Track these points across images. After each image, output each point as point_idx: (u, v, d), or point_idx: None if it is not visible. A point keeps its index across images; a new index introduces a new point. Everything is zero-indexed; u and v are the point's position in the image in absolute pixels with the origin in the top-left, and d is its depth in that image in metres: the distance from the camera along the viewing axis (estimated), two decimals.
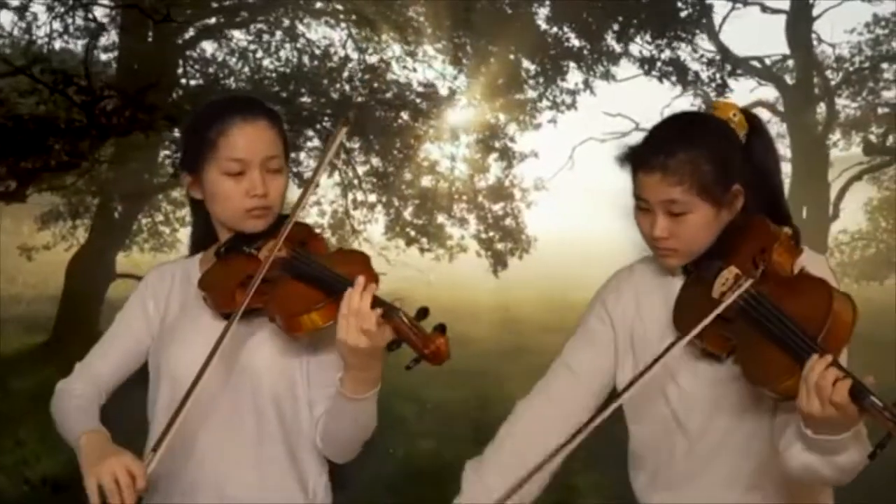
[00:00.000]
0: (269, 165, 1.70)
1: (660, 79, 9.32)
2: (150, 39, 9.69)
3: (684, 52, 9.73)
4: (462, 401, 7.19)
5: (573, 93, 9.99)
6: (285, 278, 1.63)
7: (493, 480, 1.68)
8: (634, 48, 9.61)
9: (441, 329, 1.46)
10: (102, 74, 10.08)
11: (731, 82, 10.03)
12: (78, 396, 1.70)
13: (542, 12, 9.57)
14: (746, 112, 1.70)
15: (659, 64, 9.45)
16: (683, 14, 9.34)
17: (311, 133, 11.71)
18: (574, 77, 10.10)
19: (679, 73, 9.53)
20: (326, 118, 11.22)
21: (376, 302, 1.50)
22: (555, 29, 9.52)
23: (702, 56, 10.01)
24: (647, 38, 9.46)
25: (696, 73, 9.59)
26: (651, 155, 1.60)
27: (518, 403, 1.79)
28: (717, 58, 10.02)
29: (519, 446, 1.72)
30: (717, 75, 9.57)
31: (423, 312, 1.48)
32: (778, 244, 1.56)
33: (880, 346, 10.06)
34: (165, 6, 6.52)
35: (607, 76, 9.63)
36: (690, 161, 1.56)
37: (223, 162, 1.67)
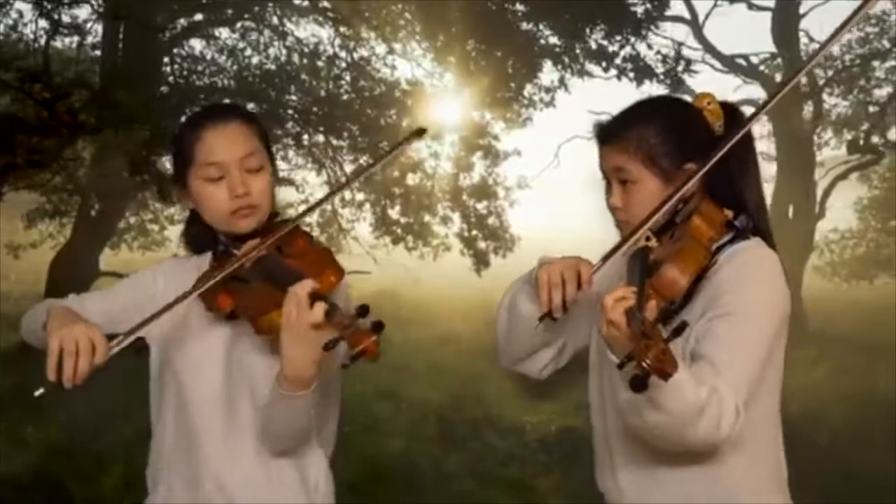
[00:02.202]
0: (247, 165, 1.72)
1: (618, 76, 9.35)
2: (134, 37, 9.69)
3: (641, 48, 9.78)
4: (437, 401, 7.18)
5: (550, 90, 9.98)
6: (258, 280, 1.65)
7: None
8: (592, 45, 9.59)
9: (379, 327, 1.44)
10: (89, 72, 10.12)
11: (689, 79, 10.05)
12: (57, 302, 1.70)
13: (521, 10, 9.53)
14: (726, 104, 1.73)
15: (617, 61, 9.46)
16: (640, 10, 9.33)
17: (298, 131, 11.74)
18: (552, 75, 10.11)
19: (637, 70, 9.52)
20: (313, 116, 11.24)
21: (319, 297, 1.52)
22: (531, 26, 9.49)
23: (657, 52, 10.00)
24: (604, 34, 9.45)
25: (652, 69, 9.57)
26: (608, 126, 1.71)
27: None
28: (672, 54, 9.96)
29: None
30: (672, 71, 9.55)
31: (364, 310, 1.46)
32: (698, 213, 1.60)
33: (872, 347, 10.04)
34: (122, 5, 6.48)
35: (582, 73, 9.60)
36: (640, 131, 1.64)
37: (202, 168, 1.71)
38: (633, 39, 9.17)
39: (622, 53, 9.36)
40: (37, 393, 1.45)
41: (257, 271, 1.65)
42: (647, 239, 1.59)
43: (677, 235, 1.60)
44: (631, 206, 1.66)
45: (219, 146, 1.70)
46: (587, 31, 9.21)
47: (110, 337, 1.54)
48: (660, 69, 9.51)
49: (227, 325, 1.72)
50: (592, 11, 8.84)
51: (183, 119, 1.86)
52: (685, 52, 12.87)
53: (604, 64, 9.27)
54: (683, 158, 1.64)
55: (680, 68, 9.52)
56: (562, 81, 9.69)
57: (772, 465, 1.66)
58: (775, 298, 1.57)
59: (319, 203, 1.94)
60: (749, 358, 1.50)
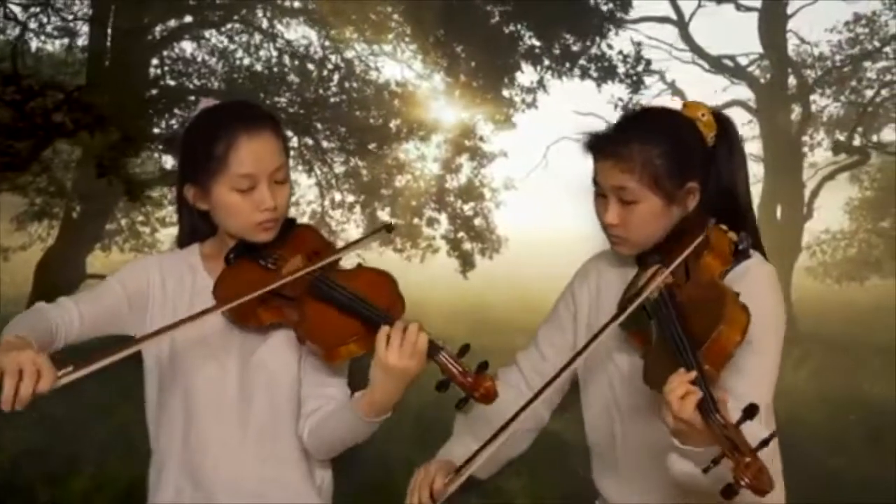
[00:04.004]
0: (275, 177, 1.69)
1: (581, 76, 9.37)
2: (120, 39, 9.71)
3: (604, 47, 9.82)
4: (417, 402, 7.16)
5: (531, 90, 9.99)
6: (312, 301, 1.64)
7: (468, 440, 1.80)
8: (561, 45, 9.60)
9: (484, 367, 1.52)
10: (79, 74, 10.14)
11: (679, 79, 10.12)
12: (41, 313, 1.64)
13: (504, 10, 9.55)
14: (718, 114, 1.72)
15: (581, 61, 9.48)
16: (604, 9, 9.35)
17: (288, 133, 11.75)
18: (534, 76, 10.11)
19: (599, 70, 9.56)
20: (303, 118, 11.24)
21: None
22: (512, 28, 9.50)
23: (620, 52, 10.03)
24: (568, 32, 9.45)
25: (614, 69, 9.63)
26: (608, 142, 1.65)
27: (499, 370, 1.86)
28: (633, 53, 9.97)
29: (488, 411, 1.77)
30: (632, 71, 9.57)
31: (465, 349, 1.55)
32: (709, 249, 1.57)
33: (861, 349, 10.03)
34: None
35: (561, 75, 9.60)
36: (643, 152, 1.60)
37: (232, 178, 1.66)
38: (598, 40, 9.17)
39: (587, 54, 9.40)
40: None
41: (309, 292, 1.65)
42: (660, 271, 1.57)
43: (693, 274, 1.57)
44: (630, 224, 1.64)
45: (255, 158, 1.65)
46: (556, 32, 9.21)
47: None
48: (621, 69, 9.53)
49: (235, 329, 1.71)
50: (561, 12, 8.84)
51: (193, 116, 1.78)
52: (674, 53, 12.93)
53: (567, 64, 9.29)
54: (685, 178, 1.63)
55: (640, 68, 9.54)
56: (541, 83, 9.71)
57: (772, 468, 1.68)
58: (781, 316, 1.60)
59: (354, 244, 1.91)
60: (770, 383, 1.54)
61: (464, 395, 1.53)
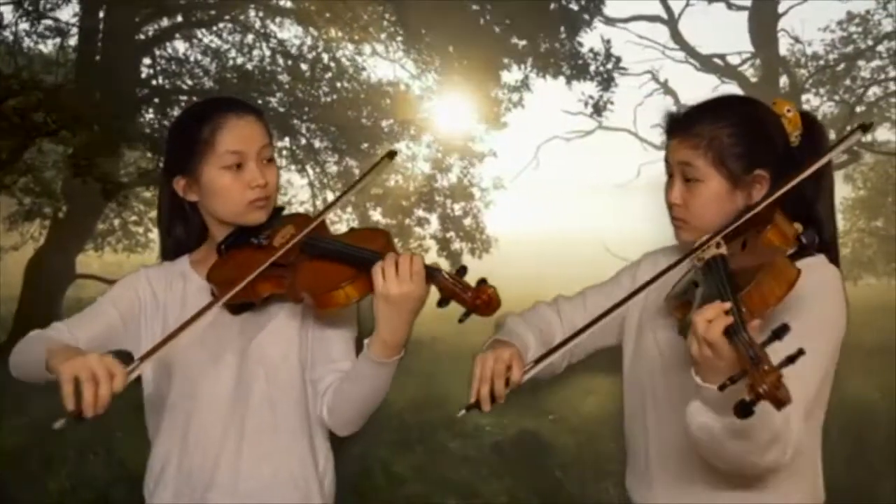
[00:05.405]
0: (263, 155, 1.73)
1: (554, 75, 9.36)
2: (110, 39, 9.72)
3: (576, 45, 9.80)
4: (401, 404, 7.16)
5: (517, 89, 9.99)
6: (306, 260, 1.65)
7: (528, 333, 1.74)
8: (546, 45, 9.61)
9: (483, 282, 1.51)
10: (71, 73, 10.15)
11: (672, 77, 10.10)
12: (49, 336, 1.66)
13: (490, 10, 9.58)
14: (807, 115, 1.69)
15: (554, 59, 9.48)
16: (576, 7, 9.36)
17: (281, 133, 11.75)
18: (518, 75, 10.09)
19: (571, 68, 9.59)
20: (295, 118, 11.25)
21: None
22: (501, 29, 9.51)
23: (590, 50, 10.02)
24: (545, 33, 9.46)
25: (586, 67, 9.65)
26: (680, 119, 1.65)
27: (537, 303, 1.86)
28: (602, 52, 9.96)
29: (538, 323, 1.79)
30: (602, 69, 9.58)
31: (463, 270, 1.56)
32: (772, 226, 1.52)
33: (858, 348, 10.01)
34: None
35: (545, 74, 9.61)
36: (713, 129, 1.59)
37: (221, 156, 1.70)
38: (572, 38, 9.18)
39: (562, 51, 9.41)
40: (56, 425, 1.38)
41: (305, 253, 1.66)
42: (718, 246, 1.52)
43: (750, 246, 1.52)
44: (691, 205, 1.62)
45: (241, 135, 1.70)
46: (537, 31, 9.22)
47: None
48: (592, 67, 9.54)
49: (235, 319, 1.72)
50: (541, 11, 8.86)
51: (177, 113, 1.84)
52: (667, 52, 12.93)
53: (542, 63, 9.29)
54: (754, 164, 1.59)
55: (610, 66, 9.53)
56: (524, 82, 9.72)
57: (811, 479, 1.65)
58: (837, 319, 1.55)
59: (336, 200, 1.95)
60: (810, 382, 1.47)
61: (465, 311, 1.51)
